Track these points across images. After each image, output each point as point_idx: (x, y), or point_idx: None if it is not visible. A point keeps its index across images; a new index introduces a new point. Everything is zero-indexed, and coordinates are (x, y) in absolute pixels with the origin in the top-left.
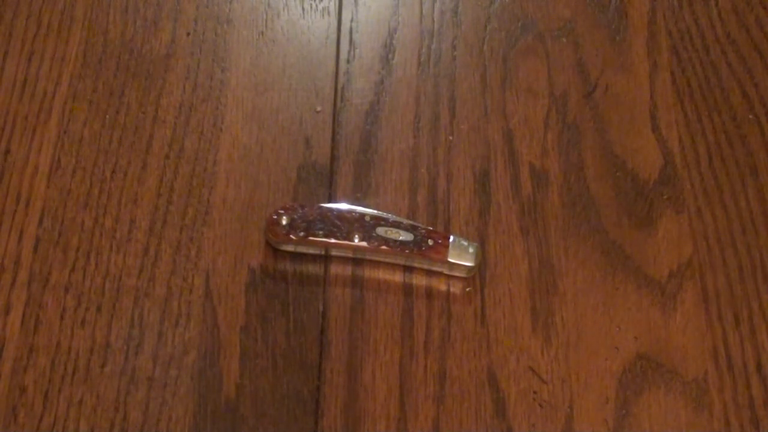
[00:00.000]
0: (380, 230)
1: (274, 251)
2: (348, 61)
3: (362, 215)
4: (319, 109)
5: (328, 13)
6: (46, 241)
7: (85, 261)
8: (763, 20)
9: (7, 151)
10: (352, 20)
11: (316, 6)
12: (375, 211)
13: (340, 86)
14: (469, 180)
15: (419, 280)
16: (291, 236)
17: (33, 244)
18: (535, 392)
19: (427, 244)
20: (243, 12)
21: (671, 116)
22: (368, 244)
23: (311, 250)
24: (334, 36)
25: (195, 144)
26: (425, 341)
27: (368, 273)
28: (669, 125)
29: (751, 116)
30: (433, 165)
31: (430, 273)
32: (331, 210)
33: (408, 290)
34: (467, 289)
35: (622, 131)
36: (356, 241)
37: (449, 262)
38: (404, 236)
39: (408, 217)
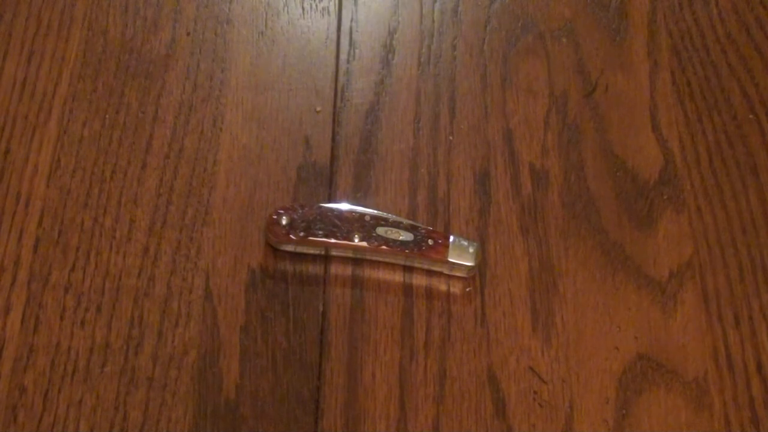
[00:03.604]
0: (380, 230)
1: (274, 251)
2: (348, 61)
3: (362, 215)
4: (319, 109)
5: (328, 13)
6: (46, 241)
7: (85, 261)
8: (763, 20)
9: (7, 151)
10: (352, 20)
11: (316, 6)
12: (375, 211)
13: (340, 86)
14: (469, 180)
15: (419, 280)
16: (291, 236)
17: (33, 244)
18: (535, 392)
19: (427, 244)
20: (243, 12)
21: (671, 116)
22: (368, 244)
23: (311, 250)
24: (334, 36)
25: (195, 144)
26: (425, 341)
27: (368, 273)
28: (669, 125)
29: (751, 116)
30: (433, 165)
31: (430, 273)
32: (331, 210)
33: (408, 290)
34: (467, 289)
35: (622, 131)
36: (356, 241)
37: (449, 262)
38: (404, 236)
39: (408, 217)
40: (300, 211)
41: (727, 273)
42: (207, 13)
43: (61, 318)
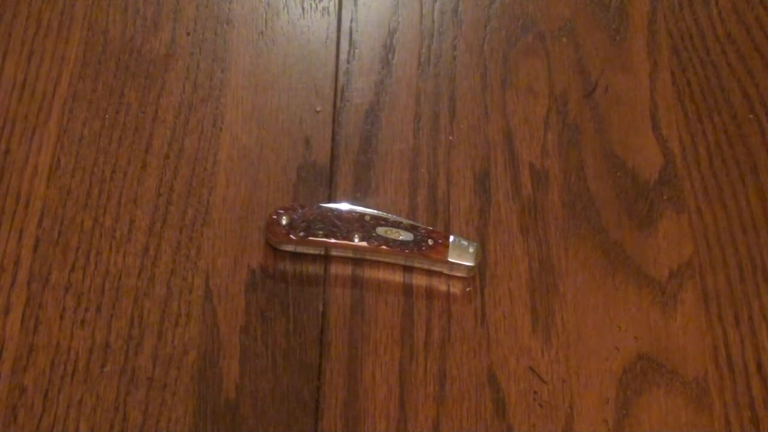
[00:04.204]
0: (380, 230)
1: (274, 251)
2: (348, 61)
3: (362, 215)
4: (319, 109)
5: (328, 13)
6: (46, 241)
7: (85, 261)
8: (764, 20)
9: (7, 151)
10: (351, 20)
11: (316, 6)
12: (375, 211)
13: (340, 86)
14: (469, 180)
15: (419, 280)
16: (291, 236)
17: (33, 244)
18: (535, 392)
19: (427, 244)
20: (243, 12)
21: (671, 116)
22: (368, 244)
23: (311, 250)
24: (334, 36)
25: (195, 144)
26: (425, 341)
27: (368, 273)
28: (669, 125)
29: (751, 116)
30: (433, 165)
31: (430, 273)
32: (331, 210)
33: (408, 290)
34: (467, 289)
35: (622, 131)
36: (356, 241)
37: (449, 262)
38: (404, 236)
39: (408, 217)
40: (300, 211)
41: (727, 273)
42: (207, 13)
43: (61, 318)
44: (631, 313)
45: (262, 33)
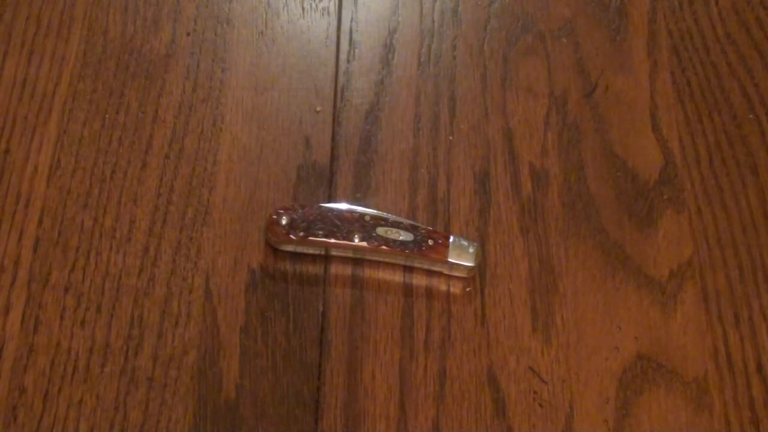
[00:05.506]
0: (380, 230)
1: (274, 251)
2: (348, 61)
3: (362, 215)
4: (319, 109)
5: (328, 13)
6: (46, 241)
7: (85, 261)
8: (764, 20)
9: (7, 151)
10: (351, 20)
11: (316, 6)
12: (375, 211)
13: (340, 86)
14: (469, 180)
15: (419, 280)
16: (291, 236)
17: (33, 244)
18: (535, 392)
19: (427, 244)
20: (243, 12)
21: (671, 116)
22: (368, 244)
23: (311, 250)
24: (334, 36)
25: (195, 144)
26: (425, 341)
27: (368, 273)
28: (669, 125)
29: (751, 116)
30: (433, 165)
31: (430, 273)
32: (331, 210)
33: (408, 290)
34: (467, 289)
35: (622, 131)
36: (356, 241)
37: (449, 262)
38: (404, 236)
39: (408, 217)
40: (300, 211)
41: (727, 273)
42: (207, 13)
43: (61, 318)
44: (631, 313)
45: (262, 33)
